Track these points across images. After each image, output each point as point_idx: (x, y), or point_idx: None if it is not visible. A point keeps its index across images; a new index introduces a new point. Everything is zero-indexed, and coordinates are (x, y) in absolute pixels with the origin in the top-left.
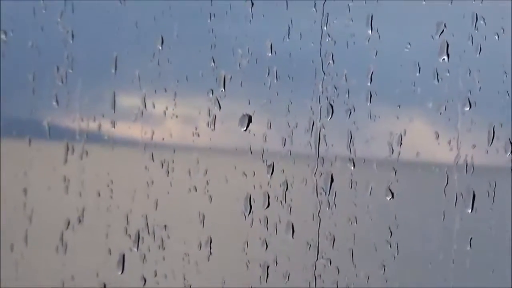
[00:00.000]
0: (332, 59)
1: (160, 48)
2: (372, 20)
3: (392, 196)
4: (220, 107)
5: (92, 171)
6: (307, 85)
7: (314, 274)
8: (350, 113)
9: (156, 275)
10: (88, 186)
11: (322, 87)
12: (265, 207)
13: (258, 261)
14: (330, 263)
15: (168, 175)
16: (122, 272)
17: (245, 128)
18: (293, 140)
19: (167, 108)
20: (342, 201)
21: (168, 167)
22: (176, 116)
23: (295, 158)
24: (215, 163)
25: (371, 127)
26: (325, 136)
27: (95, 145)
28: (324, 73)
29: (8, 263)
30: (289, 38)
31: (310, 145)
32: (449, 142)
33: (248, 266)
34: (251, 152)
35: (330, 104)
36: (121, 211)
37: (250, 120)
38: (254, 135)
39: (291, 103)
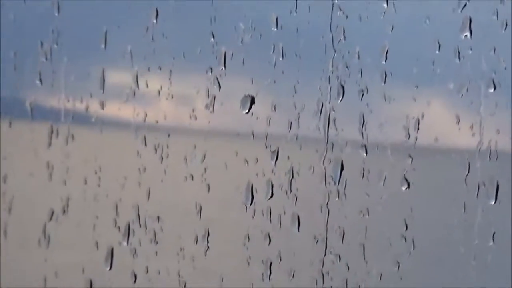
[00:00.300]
0: (344, 35)
1: (155, 21)
2: None
3: (408, 186)
4: (220, 87)
5: (79, 156)
6: (316, 63)
7: (322, 271)
8: (363, 94)
9: (147, 271)
10: (74, 173)
11: (332, 65)
12: (269, 197)
13: (260, 257)
14: (339, 259)
15: (162, 162)
16: (110, 268)
17: (247, 110)
18: (300, 123)
19: (161, 88)
20: (353, 191)
21: (162, 152)
22: (172, 97)
23: (302, 144)
24: (213, 148)
25: (385, 109)
26: (335, 119)
27: (82, 127)
28: (335, 50)
29: None
30: (296, 12)
31: (319, 129)
32: (471, 127)
33: (249, 263)
34: (253, 137)
35: (341, 85)
36: (110, 201)
37: (252, 102)
38: (257, 118)
39: (298, 83)
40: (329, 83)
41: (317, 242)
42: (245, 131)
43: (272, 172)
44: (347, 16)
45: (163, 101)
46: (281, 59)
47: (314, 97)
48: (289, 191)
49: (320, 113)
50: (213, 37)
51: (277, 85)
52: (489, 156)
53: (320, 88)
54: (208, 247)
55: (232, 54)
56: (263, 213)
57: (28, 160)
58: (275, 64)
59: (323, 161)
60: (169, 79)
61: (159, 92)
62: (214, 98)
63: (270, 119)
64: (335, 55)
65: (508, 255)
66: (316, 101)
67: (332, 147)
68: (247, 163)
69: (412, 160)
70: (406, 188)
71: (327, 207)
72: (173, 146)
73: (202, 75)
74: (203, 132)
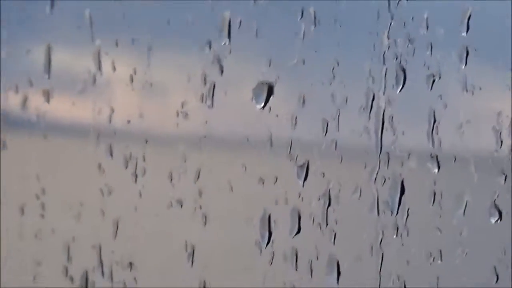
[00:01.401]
0: None
1: None
2: None
3: (500, 217)
4: (222, 70)
5: (12, 173)
6: (364, 35)
7: None
8: (433, 81)
9: None
10: (7, 197)
11: (388, 38)
12: (294, 233)
13: None
14: None
15: (135, 180)
16: None
17: (262, 105)
18: (340, 124)
19: (135, 72)
20: (418, 224)
21: (136, 167)
22: (151, 84)
23: (344, 154)
24: (212, 161)
25: (466, 104)
26: (392, 118)
27: (17, 130)
28: (392, 17)
29: None
30: None
31: (368, 132)
32: None
33: None
34: (271, 144)
35: (401, 67)
36: (59, 239)
37: (270, 92)
38: (277, 115)
39: (337, 64)
40: (383, 63)
41: None
42: (259, 136)
43: (299, 196)
44: None
45: (138, 91)
46: (312, 28)
47: (362, 85)
48: (324, 225)
49: (370, 108)
50: None
51: (307, 68)
52: None
53: (370, 72)
54: None
55: (241, 22)
56: (286, 257)
57: None
58: (304, 36)
59: (375, 180)
60: (147, 58)
61: (131, 78)
62: (214, 86)
63: (296, 117)
64: (392, 23)
65: None
66: (364, 91)
67: (388, 160)
68: (262, 183)
69: (505, 178)
70: (497, 220)
71: (381, 248)
72: (153, 158)
73: (196, 52)
74: (197, 137)
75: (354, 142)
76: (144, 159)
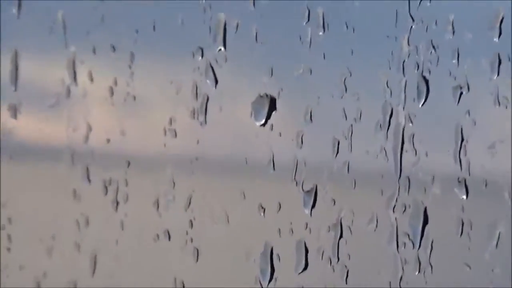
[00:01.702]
0: None
1: None
2: None
3: None
4: (216, 82)
5: None
6: (381, 40)
7: None
8: (461, 93)
9: None
10: None
11: (408, 44)
12: (300, 269)
13: None
14: None
15: (116, 209)
16: None
17: (263, 121)
18: (353, 144)
19: (116, 83)
20: (443, 258)
21: (116, 193)
22: (134, 98)
23: (357, 178)
24: (205, 186)
25: (499, 120)
26: (413, 136)
27: None
28: (413, 19)
29: None
30: None
31: (386, 153)
32: None
33: None
34: (273, 167)
35: (423, 77)
36: (28, 275)
37: (272, 106)
38: (280, 134)
39: (350, 74)
40: (403, 74)
41: None
42: (259, 157)
43: (306, 227)
44: None
45: (119, 106)
46: (321, 33)
47: (378, 99)
48: (335, 260)
49: (388, 125)
50: None
51: (314, 78)
52: None
53: (387, 84)
54: None
55: (237, 25)
56: None
57: None
58: (310, 42)
59: (394, 208)
60: (130, 68)
61: (111, 90)
62: (207, 99)
63: (302, 136)
64: (413, 27)
65: None
66: (380, 105)
67: (408, 185)
68: (264, 212)
69: None
70: None
71: (400, 286)
72: (136, 183)
73: (186, 60)
74: (188, 159)
75: (369, 164)
76: (126, 184)
